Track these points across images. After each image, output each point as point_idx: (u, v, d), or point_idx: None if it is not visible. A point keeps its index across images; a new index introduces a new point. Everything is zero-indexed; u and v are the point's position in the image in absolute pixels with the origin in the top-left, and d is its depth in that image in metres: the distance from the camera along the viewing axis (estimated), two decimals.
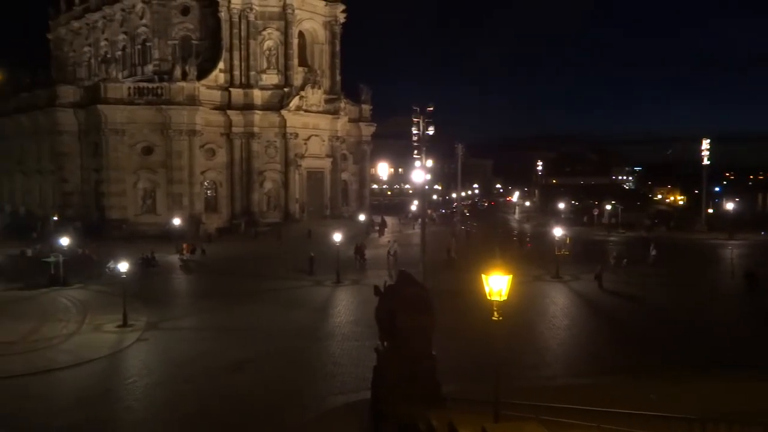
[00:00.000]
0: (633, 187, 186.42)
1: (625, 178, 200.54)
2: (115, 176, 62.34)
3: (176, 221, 57.57)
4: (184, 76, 63.18)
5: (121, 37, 74.29)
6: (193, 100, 63.13)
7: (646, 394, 16.06)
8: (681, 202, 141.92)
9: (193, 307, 33.06)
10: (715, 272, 43.03)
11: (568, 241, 48.48)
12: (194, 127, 63.53)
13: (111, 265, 36.39)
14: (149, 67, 70.24)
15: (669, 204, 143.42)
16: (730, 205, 79.97)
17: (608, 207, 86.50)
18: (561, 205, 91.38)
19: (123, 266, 28.03)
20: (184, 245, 47.88)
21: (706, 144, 74.23)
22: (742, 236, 62.59)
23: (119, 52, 74.43)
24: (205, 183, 65.90)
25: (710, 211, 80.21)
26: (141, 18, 71.20)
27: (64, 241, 39.80)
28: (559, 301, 33.58)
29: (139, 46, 72.08)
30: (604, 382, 19.27)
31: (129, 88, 63.73)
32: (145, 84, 65.02)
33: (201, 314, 30.79)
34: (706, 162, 74.54)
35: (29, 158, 73.20)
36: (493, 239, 52.34)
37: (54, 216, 64.04)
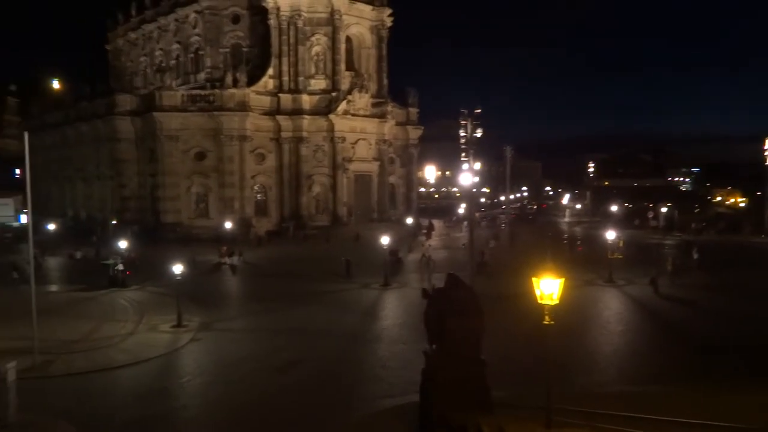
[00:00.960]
0: (690, 189, 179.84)
1: (681, 179, 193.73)
2: (169, 181, 64.34)
3: (227, 224, 58.93)
4: (235, 83, 64.71)
5: (175, 46, 76.80)
6: (243, 106, 64.56)
7: (703, 403, 15.46)
8: (742, 205, 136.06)
9: (243, 308, 33.74)
10: None
11: (621, 245, 47.20)
12: (245, 132, 64.95)
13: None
14: (201, 75, 72.33)
15: (729, 206, 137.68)
16: None
17: (663, 209, 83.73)
18: (613, 208, 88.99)
19: (178, 269, 28.84)
20: (223, 249, 48.79)
21: None
22: None
23: (173, 61, 76.96)
24: (255, 187, 67.23)
25: None
26: (194, 27, 73.44)
27: (122, 244, 41.29)
28: (612, 306, 32.71)
29: (192, 55, 74.33)
30: (659, 390, 18.61)
31: (182, 95, 65.72)
32: (197, 91, 66.97)
33: (251, 316, 31.38)
34: None
35: (89, 165, 76.35)
36: (540, 243, 51.41)
37: (112, 220, 66.58)
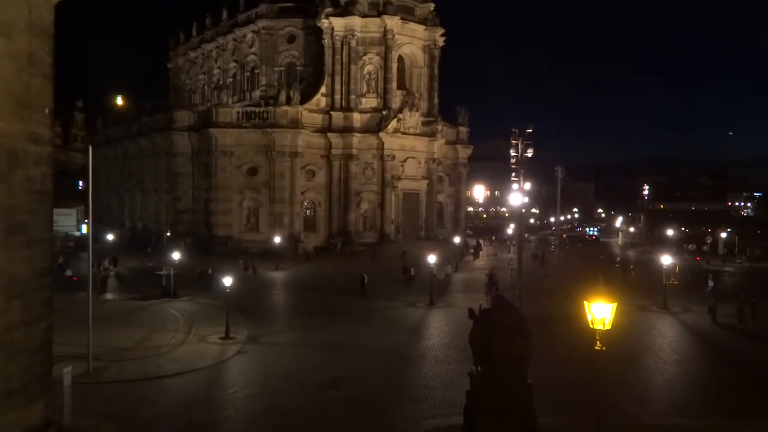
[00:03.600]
0: (753, 214, 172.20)
1: (742, 204, 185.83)
2: (222, 195, 65.92)
3: (277, 239, 59.86)
4: (288, 101, 66.04)
5: (232, 65, 79.28)
6: (296, 123, 65.78)
7: None
8: None
9: (290, 323, 34.03)
10: None
11: (677, 270, 45.48)
12: (296, 149, 66.09)
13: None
14: (257, 93, 74.29)
15: None
16: None
17: (723, 235, 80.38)
18: (669, 232, 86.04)
19: (227, 281, 29.39)
20: (241, 262, 50.73)
21: None
22: None
23: (230, 79, 79.40)
24: (305, 203, 68.13)
25: None
26: (251, 47, 75.67)
27: (176, 255, 42.45)
28: (666, 334, 31.46)
29: (248, 73, 76.53)
30: (714, 424, 17.74)
31: (238, 112, 67.49)
32: (252, 108, 68.68)
33: (297, 330, 31.63)
34: None
35: (147, 178, 79.07)
36: (586, 266, 50.02)
37: (167, 232, 68.61)
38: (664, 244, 73.53)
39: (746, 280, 50.32)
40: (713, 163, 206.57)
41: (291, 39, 72.99)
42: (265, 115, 66.61)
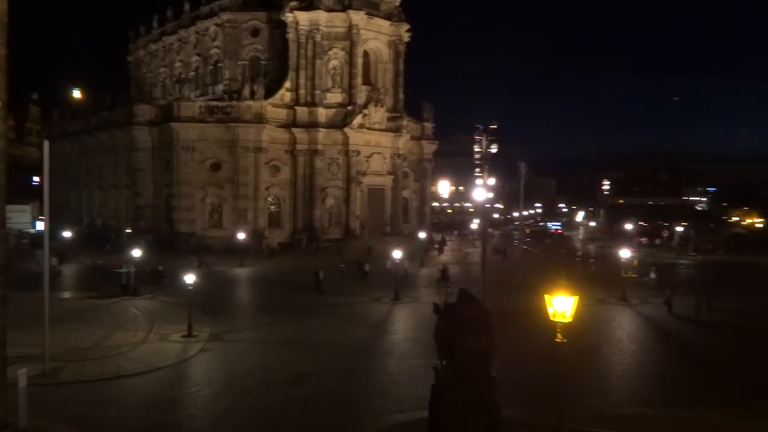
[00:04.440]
0: (707, 208, 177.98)
1: (698, 198, 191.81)
2: (184, 191, 64.82)
3: (241, 235, 59.22)
4: (252, 95, 65.29)
5: (195, 58, 77.88)
6: (260, 118, 65.08)
7: (715, 427, 15.16)
8: (759, 225, 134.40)
9: (254, 319, 33.74)
10: None
11: (635, 264, 46.71)
12: (260, 144, 65.42)
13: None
14: (220, 87, 73.18)
15: (746, 227, 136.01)
16: None
17: (679, 228, 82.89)
18: (628, 226, 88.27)
19: (190, 278, 28.94)
20: (195, 259, 50.02)
21: None
22: None
23: (192, 73, 78.00)
24: (269, 199, 67.56)
25: None
26: (214, 40, 74.47)
27: (136, 252, 41.59)
28: (625, 326, 32.30)
29: (211, 67, 75.32)
30: (672, 413, 18.30)
31: (200, 106, 66.39)
32: (215, 103, 67.67)
33: (261, 327, 31.37)
34: None
35: (107, 173, 77.25)
36: (547, 260, 50.96)
37: (127, 229, 67.11)
38: (622, 238, 75.42)
39: (700, 274, 52.03)
40: (671, 159, 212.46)
41: (255, 32, 72.10)
42: (228, 109, 65.71)
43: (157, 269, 43.86)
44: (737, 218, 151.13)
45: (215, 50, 74.55)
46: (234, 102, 66.01)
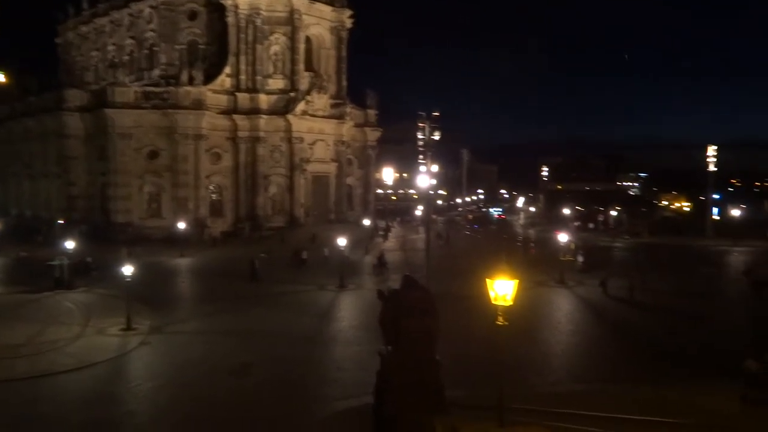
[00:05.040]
0: (639, 193, 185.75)
1: (631, 184, 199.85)
2: (121, 180, 62.64)
3: (181, 225, 57.76)
4: (191, 81, 63.53)
5: (129, 41, 74.85)
6: (199, 105, 63.44)
7: (646, 401, 15.99)
8: (686, 209, 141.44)
9: (196, 310, 33.07)
10: (719, 279, 42.76)
11: (572, 247, 48.33)
12: (200, 131, 63.82)
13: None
14: (156, 72, 70.69)
15: (674, 210, 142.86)
16: (736, 212, 79.61)
17: (613, 213, 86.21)
18: (566, 211, 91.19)
19: (128, 270, 28.05)
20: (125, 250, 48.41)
21: (711, 150, 74.10)
22: (748, 243, 62.27)
23: (126, 57, 74.96)
24: (210, 187, 66.16)
25: (716, 217, 79.80)
26: (148, 23, 71.72)
27: (69, 244, 39.95)
28: (563, 307, 33.45)
29: (147, 51, 72.57)
30: (607, 389, 19.14)
31: (136, 92, 64.11)
32: (151, 88, 65.43)
33: (205, 318, 30.81)
34: (711, 168, 74.33)
35: (36, 162, 73.66)
36: (488, 245, 52.07)
37: (59, 219, 64.30)
38: (560, 222, 77.85)
39: (632, 256, 54.38)
40: (606, 146, 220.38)
41: (192, 16, 69.89)
42: (166, 95, 63.73)
43: (86, 261, 42.11)
44: (666, 202, 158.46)
45: (150, 33, 71.85)
46: (172, 87, 64.03)
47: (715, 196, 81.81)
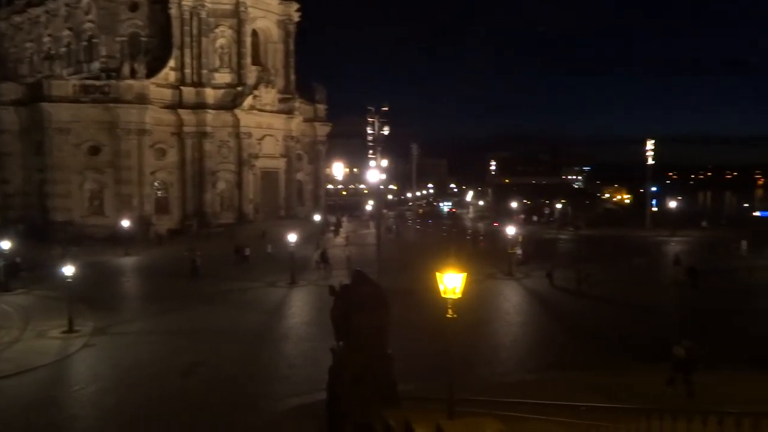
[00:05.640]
0: (582, 187, 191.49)
1: (575, 177, 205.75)
2: (59, 177, 60.25)
3: (125, 223, 56.04)
4: (133, 74, 61.60)
5: (66, 32, 71.77)
6: (142, 99, 61.60)
7: (593, 386, 16.55)
8: (627, 201, 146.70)
9: (142, 310, 32.22)
10: (658, 268, 44.54)
11: (520, 240, 49.38)
12: (144, 126, 62.00)
13: None
14: (96, 65, 68.12)
15: (616, 203, 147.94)
16: (672, 203, 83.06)
17: (558, 206, 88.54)
18: (513, 204, 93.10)
19: (68, 270, 27.03)
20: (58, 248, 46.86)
21: (650, 145, 76.91)
22: (684, 233, 65.11)
23: (63, 49, 71.89)
24: (156, 183, 64.45)
25: (654, 209, 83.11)
26: (86, 13, 68.96)
27: (5, 244, 38.17)
28: (512, 299, 34.18)
29: (85, 43, 69.77)
30: (554, 377, 19.71)
31: (74, 85, 61.77)
32: (91, 81, 63.15)
33: (151, 318, 30.05)
34: (650, 162, 77.25)
35: None
36: (437, 238, 52.63)
37: None
38: (508, 215, 79.47)
39: (576, 248, 56.04)
40: (552, 140, 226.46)
41: (133, 7, 67.59)
42: (106, 89, 61.60)
43: (15, 261, 40.16)
44: (608, 195, 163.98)
45: (89, 24, 69.10)
46: (113, 81, 61.91)
47: (654, 189, 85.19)
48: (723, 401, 13.02)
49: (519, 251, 45.70)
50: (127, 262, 48.07)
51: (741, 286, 34.26)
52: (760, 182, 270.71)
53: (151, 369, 21.82)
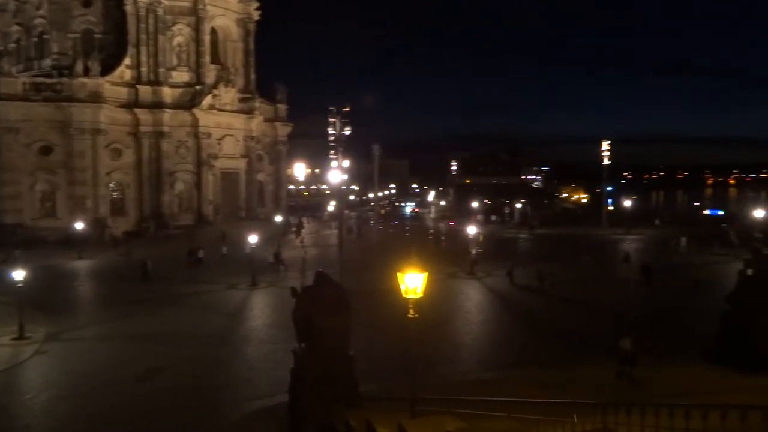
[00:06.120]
0: (541, 186, 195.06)
1: (534, 177, 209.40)
2: (9, 178, 58.19)
3: (79, 225, 54.45)
4: (87, 72, 59.95)
5: (15, 28, 69.24)
6: (96, 97, 59.98)
7: (551, 382, 16.89)
8: (584, 200, 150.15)
9: (98, 315, 31.37)
10: (614, 266, 45.67)
11: (481, 239, 49.99)
12: (98, 125, 60.38)
13: None
14: (47, 62, 65.94)
15: (573, 202, 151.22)
16: (627, 202, 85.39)
17: (518, 206, 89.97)
18: (474, 204, 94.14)
19: (19, 274, 26.11)
20: None
21: (606, 145, 78.82)
22: (639, 231, 66.97)
23: (13, 45, 69.32)
24: (111, 184, 62.87)
25: (610, 208, 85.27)
26: (37, 9, 66.72)
27: None
28: (473, 298, 34.56)
29: (36, 39, 67.48)
30: (514, 374, 20.02)
31: (24, 83, 59.78)
32: (42, 79, 61.16)
33: (107, 323, 29.28)
34: (606, 162, 79.20)
35: None
36: (397, 239, 52.82)
37: None
38: (469, 215, 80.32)
39: (535, 247, 57.01)
40: (512, 140, 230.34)
41: (87, 3, 65.68)
42: (58, 87, 59.74)
43: None
44: (566, 194, 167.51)
45: (40, 20, 66.85)
46: (65, 79, 60.06)
47: (609, 189, 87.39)
48: (674, 394, 13.47)
49: (474, 251, 46.04)
50: (81, 265, 46.74)
51: (689, 282, 35.33)
52: (710, 182, 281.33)
53: (107, 375, 21.25)
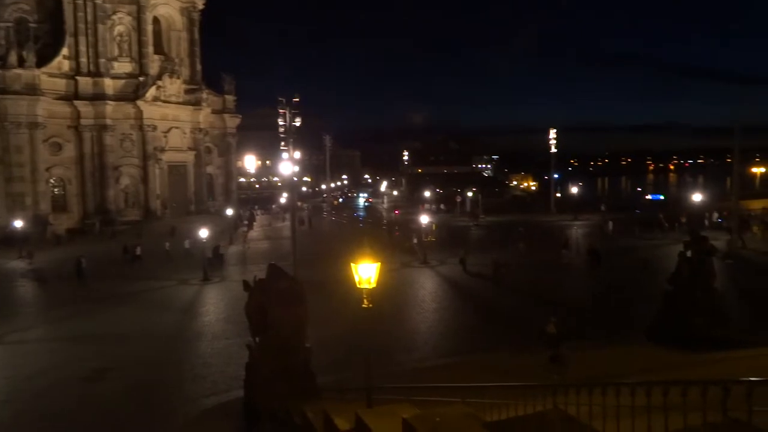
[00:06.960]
0: (492, 175, 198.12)
1: (484, 166, 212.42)
2: None
3: (18, 223, 52.21)
4: (21, 63, 57.38)
5: None
6: (32, 89, 57.50)
7: (501, 367, 17.28)
8: (533, 188, 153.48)
9: (42, 316, 30.22)
10: (562, 250, 46.85)
11: (434, 228, 50.48)
12: (35, 118, 57.94)
13: None
14: None
15: (523, 190, 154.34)
16: (574, 189, 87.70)
17: (469, 194, 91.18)
18: (426, 194, 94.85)
19: None
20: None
21: (553, 134, 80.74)
22: (585, 217, 68.94)
23: None
24: (52, 180, 60.56)
25: (558, 195, 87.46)
26: None
27: None
28: (427, 286, 34.89)
29: None
30: (468, 359, 20.36)
31: None
32: None
33: (52, 323, 28.27)
34: (553, 150, 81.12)
35: None
36: (348, 229, 52.88)
37: None
38: (423, 204, 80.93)
39: (485, 235, 57.94)
40: (462, 130, 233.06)
41: None
42: None
43: None
44: (516, 182, 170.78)
45: None
46: None
47: (557, 176, 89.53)
48: (620, 373, 13.98)
49: (415, 240, 46.29)
50: (21, 265, 44.86)
51: (637, 264, 36.65)
52: (651, 167, 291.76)
53: (53, 378, 20.50)
